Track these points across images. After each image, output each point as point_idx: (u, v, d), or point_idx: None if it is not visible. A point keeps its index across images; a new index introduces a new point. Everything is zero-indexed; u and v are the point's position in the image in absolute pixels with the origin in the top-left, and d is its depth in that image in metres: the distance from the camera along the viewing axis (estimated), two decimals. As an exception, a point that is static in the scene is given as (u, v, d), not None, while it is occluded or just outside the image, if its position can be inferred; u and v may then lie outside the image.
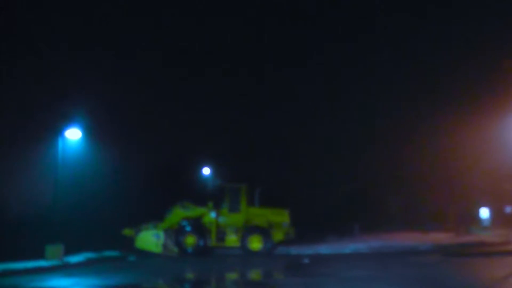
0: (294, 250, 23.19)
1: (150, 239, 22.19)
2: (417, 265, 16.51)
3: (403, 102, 36.00)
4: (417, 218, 34.42)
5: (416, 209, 35.34)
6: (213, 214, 22.81)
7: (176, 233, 22.55)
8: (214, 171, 30.64)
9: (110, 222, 21.72)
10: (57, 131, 18.04)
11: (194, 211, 23.00)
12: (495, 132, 25.25)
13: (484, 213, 32.33)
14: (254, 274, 16.02)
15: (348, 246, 24.24)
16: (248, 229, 22.59)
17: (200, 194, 26.00)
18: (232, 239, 22.65)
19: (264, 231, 22.55)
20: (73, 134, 18.36)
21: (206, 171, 31.09)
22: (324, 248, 23.68)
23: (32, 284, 13.18)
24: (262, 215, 22.98)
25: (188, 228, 22.59)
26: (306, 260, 18.19)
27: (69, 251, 18.29)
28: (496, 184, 31.83)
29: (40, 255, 17.19)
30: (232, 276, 15.61)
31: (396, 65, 38.32)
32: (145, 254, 21.78)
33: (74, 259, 18.14)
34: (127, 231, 22.36)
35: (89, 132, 19.96)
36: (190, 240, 22.46)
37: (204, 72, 39.73)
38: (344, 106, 38.34)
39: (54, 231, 17.79)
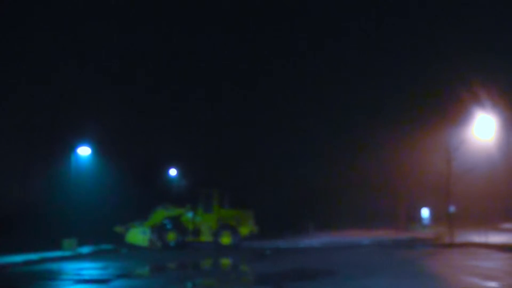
0: (257, 244, 26.72)
1: (139, 235, 26.08)
2: (352, 254, 21.39)
3: (353, 115, 40.18)
4: (365, 218, 38.45)
5: (365, 210, 39.38)
6: (190, 214, 26.69)
7: (159, 230, 26.41)
8: (180, 172, 34.54)
9: (101, 220, 25.65)
10: (71, 148, 22.12)
11: (174, 211, 26.89)
12: (437, 142, 29.33)
13: (425, 212, 36.76)
14: (227, 262, 20.37)
15: (303, 241, 28.18)
16: (219, 227, 26.51)
17: (171, 195, 29.97)
18: (206, 235, 26.56)
19: (233, 229, 26.43)
20: (84, 151, 22.45)
21: (173, 172, 34.87)
22: (282, 243, 27.47)
23: (70, 266, 17.36)
24: (231, 215, 26.88)
25: (169, 226, 26.47)
26: (268, 252, 22.53)
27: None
28: (442, 187, 36.12)
29: (55, 247, 21.10)
30: (208, 262, 19.95)
31: (354, 86, 41.17)
32: (134, 247, 25.57)
33: (84, 250, 22.23)
34: (117, 228, 26.12)
35: (97, 149, 23.96)
36: (171, 236, 26.35)
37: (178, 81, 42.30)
38: (302, 118, 41.50)
39: (62, 228, 21.83)
